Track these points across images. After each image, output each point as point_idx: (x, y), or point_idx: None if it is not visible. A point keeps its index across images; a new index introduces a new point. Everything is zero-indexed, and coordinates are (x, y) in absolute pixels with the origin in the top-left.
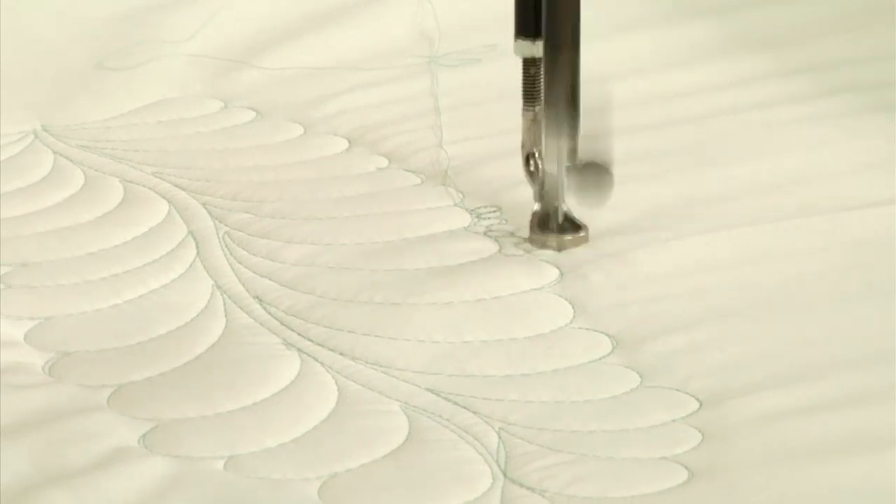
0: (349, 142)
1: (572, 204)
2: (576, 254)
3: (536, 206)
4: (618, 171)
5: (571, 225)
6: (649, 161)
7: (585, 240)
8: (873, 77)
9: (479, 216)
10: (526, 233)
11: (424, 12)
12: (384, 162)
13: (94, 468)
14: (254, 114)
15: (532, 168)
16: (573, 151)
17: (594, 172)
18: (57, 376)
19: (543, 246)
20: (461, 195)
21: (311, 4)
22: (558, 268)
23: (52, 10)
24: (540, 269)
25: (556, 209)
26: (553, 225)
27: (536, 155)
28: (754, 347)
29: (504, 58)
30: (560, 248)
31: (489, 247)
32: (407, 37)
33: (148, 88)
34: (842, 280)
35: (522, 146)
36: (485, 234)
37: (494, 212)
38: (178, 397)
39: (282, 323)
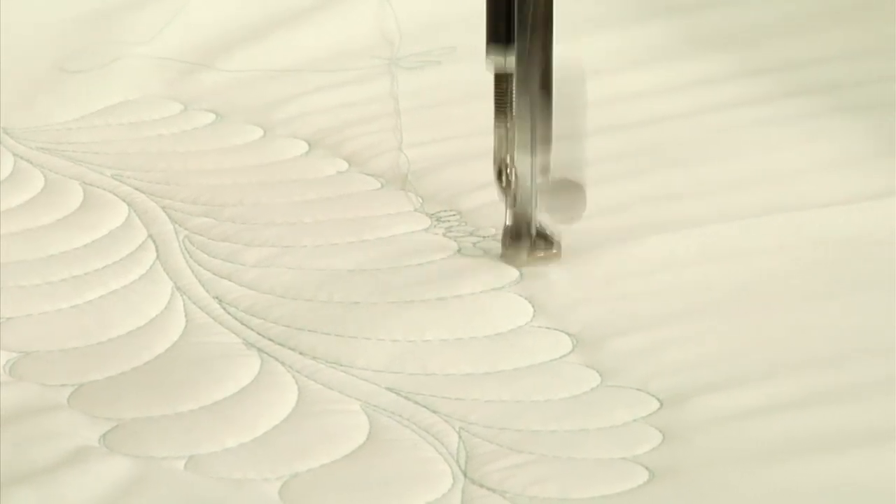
0: (309, 145)
1: (545, 219)
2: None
3: (508, 222)
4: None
5: (544, 240)
6: (610, 161)
7: (558, 257)
8: (834, 78)
9: (438, 220)
10: (485, 234)
11: (385, 14)
12: (344, 165)
13: (55, 467)
14: (214, 116)
15: (504, 183)
16: (545, 167)
17: (567, 189)
18: (17, 376)
19: (515, 262)
20: (420, 200)
21: (271, 6)
22: (518, 267)
23: (11, 12)
24: (500, 269)
25: (529, 224)
26: (525, 241)
27: (508, 170)
28: (716, 346)
29: (464, 60)
30: (529, 264)
31: (449, 247)
32: (367, 39)
33: (108, 90)
34: (804, 279)
35: (494, 161)
36: (444, 235)
37: (454, 215)
38: (139, 397)
39: (241, 322)
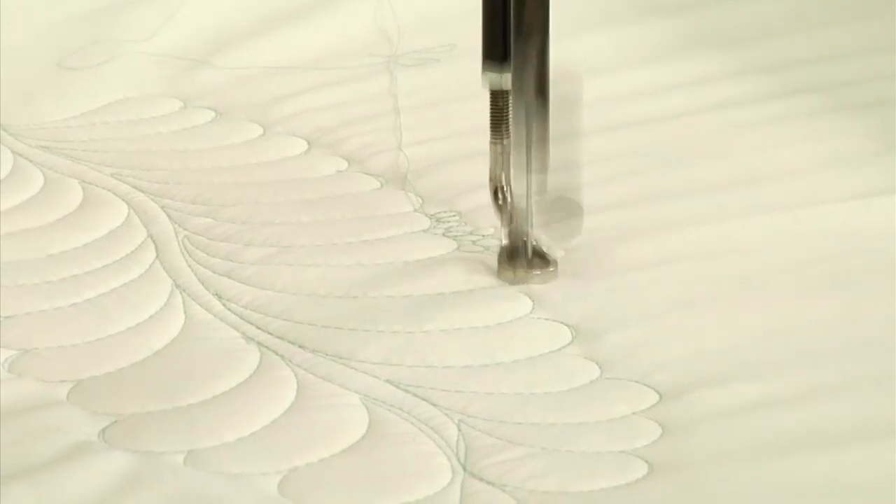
0: (308, 143)
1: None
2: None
3: (504, 240)
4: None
5: (541, 259)
6: (610, 159)
7: (555, 275)
8: (831, 76)
9: (438, 220)
10: (485, 233)
11: (384, 11)
12: (343, 164)
13: (55, 463)
14: (213, 114)
15: (500, 201)
16: (542, 185)
17: (563, 208)
18: (17, 372)
19: (511, 281)
20: (420, 200)
21: (271, 4)
22: (515, 285)
23: (11, 10)
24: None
25: (525, 243)
26: (522, 259)
27: (504, 188)
28: (715, 340)
29: (463, 58)
30: (526, 283)
31: (448, 244)
32: (366, 36)
33: (107, 88)
34: (802, 275)
35: (490, 179)
36: (444, 234)
37: (454, 216)
38: (138, 392)
39: (241, 318)
